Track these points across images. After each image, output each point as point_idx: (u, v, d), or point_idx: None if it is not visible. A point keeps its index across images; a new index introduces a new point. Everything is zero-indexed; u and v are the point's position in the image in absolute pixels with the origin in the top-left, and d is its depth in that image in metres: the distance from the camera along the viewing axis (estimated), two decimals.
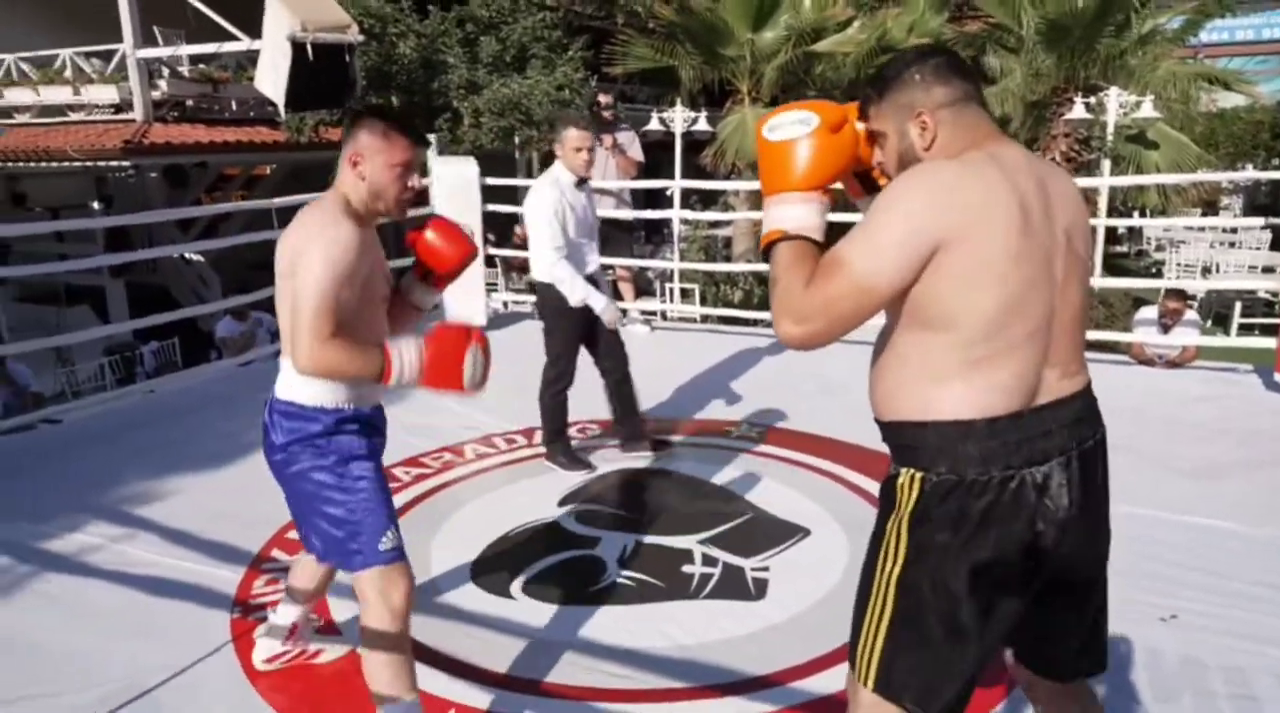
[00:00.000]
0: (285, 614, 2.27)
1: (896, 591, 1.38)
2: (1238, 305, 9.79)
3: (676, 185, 6.80)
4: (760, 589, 2.68)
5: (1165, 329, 5.47)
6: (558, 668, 2.29)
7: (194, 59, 11.47)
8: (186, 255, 11.56)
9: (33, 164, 11.21)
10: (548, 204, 3.39)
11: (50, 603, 2.62)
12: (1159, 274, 12.61)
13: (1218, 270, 11.73)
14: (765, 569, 2.79)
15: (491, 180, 6.21)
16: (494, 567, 2.83)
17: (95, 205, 12.12)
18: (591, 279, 3.59)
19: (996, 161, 1.35)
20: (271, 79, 7.33)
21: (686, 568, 2.81)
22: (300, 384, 1.87)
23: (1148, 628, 2.42)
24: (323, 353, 1.74)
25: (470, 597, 2.65)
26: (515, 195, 8.48)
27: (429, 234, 1.99)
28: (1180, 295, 5.58)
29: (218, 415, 4.28)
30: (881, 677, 1.39)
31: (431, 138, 6.37)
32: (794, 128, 1.41)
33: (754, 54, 11.13)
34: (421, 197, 5.97)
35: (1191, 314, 5.58)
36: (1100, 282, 7.67)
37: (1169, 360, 5.31)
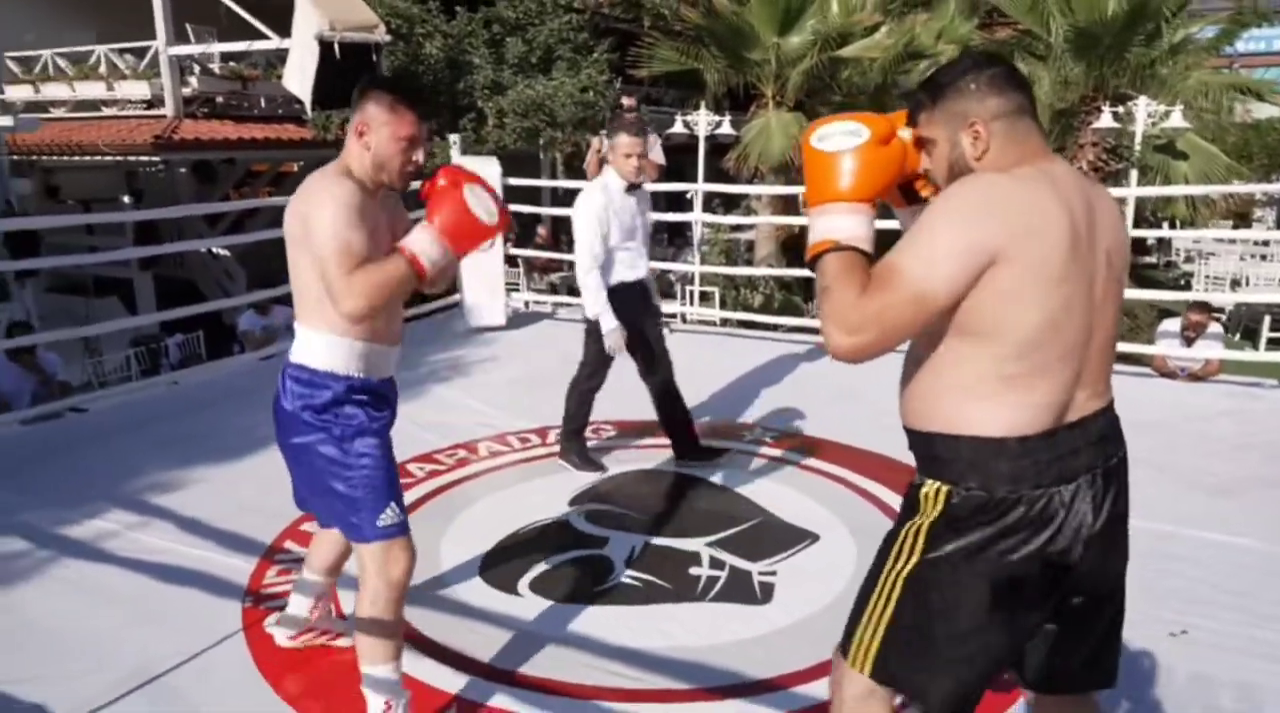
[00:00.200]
0: (299, 604, 2.32)
1: (904, 588, 1.39)
2: (1266, 319, 9.64)
3: (699, 189, 6.81)
4: (766, 593, 2.68)
5: (1188, 342, 5.40)
6: (561, 665, 2.30)
7: (225, 56, 11.64)
8: (214, 250, 11.72)
9: (66, 158, 11.42)
10: (591, 209, 3.40)
11: (68, 587, 2.68)
12: (1188, 286, 12.45)
13: (1247, 283, 11.56)
14: (772, 574, 2.79)
15: (514, 180, 6.25)
16: (502, 563, 2.85)
17: (126, 199, 12.32)
18: (642, 283, 3.59)
19: (1049, 179, 1.34)
20: (299, 77, 7.41)
21: (693, 570, 2.81)
22: (314, 349, 1.89)
23: (1159, 643, 2.40)
24: (351, 286, 1.74)
25: (478, 592, 2.67)
26: (538, 196, 8.55)
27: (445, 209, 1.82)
28: (1204, 308, 5.51)
29: (238, 408, 4.34)
30: (877, 665, 1.41)
31: (455, 137, 6.43)
32: (844, 138, 1.41)
33: (779, 58, 11.12)
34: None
35: (1215, 327, 5.50)
36: (1125, 293, 7.62)
37: (1191, 373, 5.24)
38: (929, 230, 1.32)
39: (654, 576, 2.78)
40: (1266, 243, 13.37)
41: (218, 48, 11.27)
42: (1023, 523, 1.34)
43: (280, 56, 9.49)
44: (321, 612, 2.35)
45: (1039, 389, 1.33)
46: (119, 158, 11.02)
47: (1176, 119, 8.48)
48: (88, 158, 11.15)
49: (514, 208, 6.39)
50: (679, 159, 9.70)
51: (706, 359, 5.24)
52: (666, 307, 7.16)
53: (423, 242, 1.78)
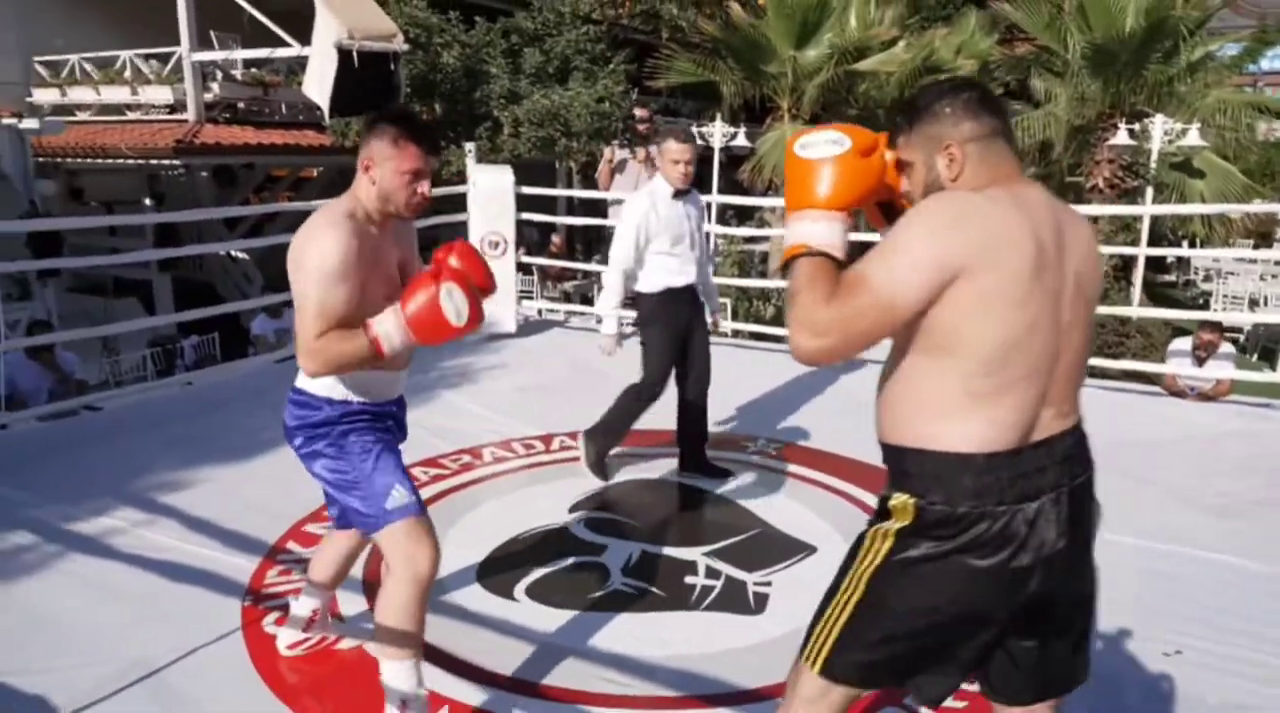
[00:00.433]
0: (304, 605, 2.35)
1: (865, 589, 1.42)
2: None
3: (713, 200, 6.84)
4: (760, 604, 2.69)
5: (1199, 362, 5.37)
6: (553, 671, 2.32)
7: (247, 63, 11.80)
8: (233, 254, 11.86)
9: (90, 160, 11.60)
10: (632, 216, 3.44)
11: (74, 582, 2.72)
12: (1206, 305, 12.35)
13: (1266, 303, 11.46)
14: (768, 584, 2.80)
15: (528, 189, 6.30)
16: (500, 569, 2.87)
17: (147, 202, 12.49)
18: (691, 289, 3.60)
19: (1018, 201, 1.37)
20: (319, 84, 7.53)
21: (689, 579, 2.83)
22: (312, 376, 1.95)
23: (1151, 663, 2.39)
24: (314, 352, 1.81)
25: (474, 597, 2.70)
26: (553, 205, 8.62)
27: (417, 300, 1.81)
28: (1216, 327, 5.47)
29: (248, 410, 4.39)
30: (828, 664, 1.44)
31: (471, 146, 6.50)
32: (826, 147, 1.44)
33: (796, 71, 11.17)
34: (459, 202, 6.08)
35: (1227, 347, 5.46)
36: (1138, 311, 7.56)
37: (1201, 393, 5.21)
38: (898, 242, 1.35)
39: (649, 584, 2.80)
40: None
41: (240, 54, 11.44)
42: (985, 538, 1.36)
43: (301, 63, 9.62)
44: (321, 616, 2.38)
45: (1004, 407, 1.35)
46: (141, 161, 11.19)
47: (1193, 137, 8.44)
48: (111, 161, 11.33)
49: (528, 217, 6.44)
50: (695, 170, 9.75)
51: (716, 370, 5.24)
52: None
53: (389, 327, 1.80)
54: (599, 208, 6.14)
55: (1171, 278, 15.73)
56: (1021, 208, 1.36)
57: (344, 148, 10.67)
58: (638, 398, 3.58)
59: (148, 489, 3.40)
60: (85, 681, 2.20)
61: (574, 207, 11.40)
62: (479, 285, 1.90)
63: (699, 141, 9.67)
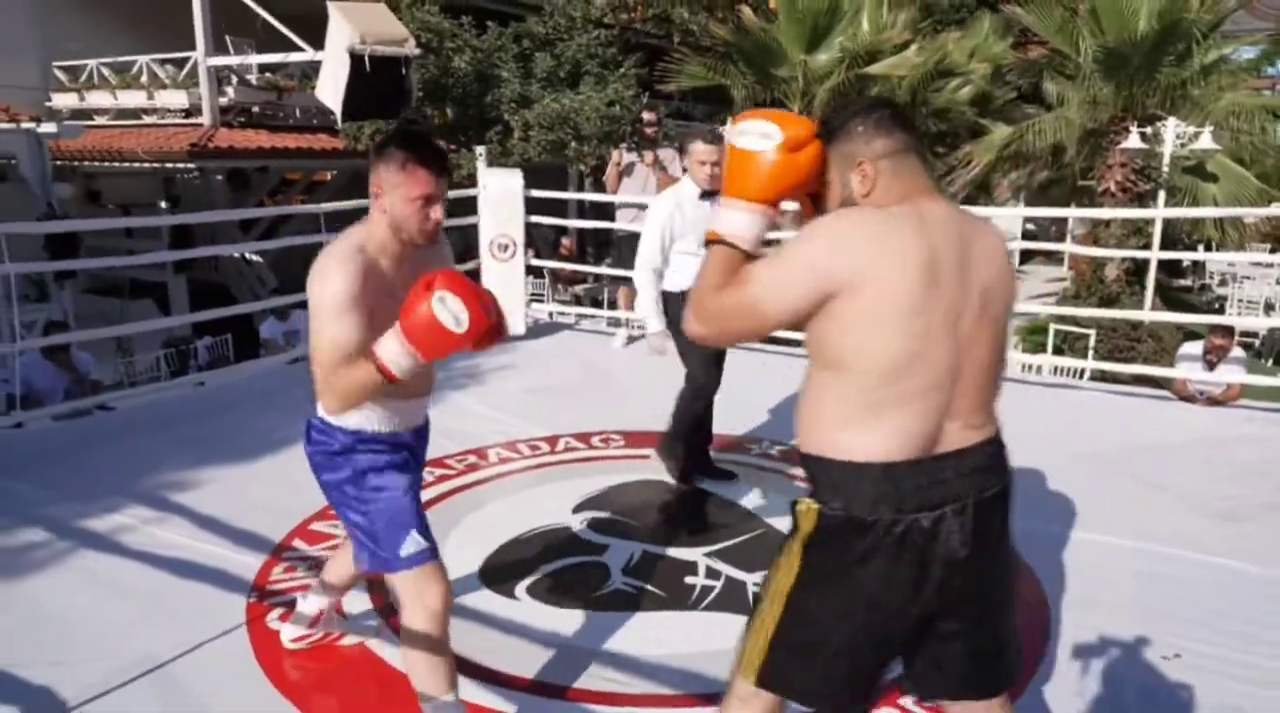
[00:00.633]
0: (312, 603, 2.38)
1: (784, 604, 1.46)
2: None
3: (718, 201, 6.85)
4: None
5: (1210, 366, 5.34)
6: (553, 669, 2.35)
7: (261, 67, 11.92)
8: (247, 256, 11.97)
9: (107, 164, 11.74)
10: (657, 217, 3.46)
11: (83, 578, 2.77)
12: (1221, 310, 12.27)
13: None
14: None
15: (536, 193, 6.33)
16: (502, 568, 2.90)
17: (163, 205, 12.63)
18: None
19: (918, 216, 1.40)
20: (331, 89, 7.59)
21: (689, 579, 2.85)
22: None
23: (1149, 665, 2.40)
24: (329, 388, 1.79)
25: (476, 596, 2.72)
26: (564, 208, 8.65)
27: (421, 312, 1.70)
28: (1227, 332, 5.45)
29: (258, 411, 4.44)
30: (761, 674, 1.49)
31: (481, 149, 6.54)
32: (756, 139, 1.46)
33: (807, 75, 11.18)
34: (469, 205, 6.13)
35: (1238, 351, 5.43)
36: (1150, 315, 7.53)
37: (1210, 397, 5.18)
38: (786, 252, 1.41)
39: (650, 584, 2.82)
40: None
41: (255, 59, 11.55)
42: (881, 546, 1.39)
43: (315, 68, 9.71)
44: (327, 614, 2.42)
45: (901, 418, 1.38)
46: (157, 165, 11.32)
47: (1206, 140, 8.39)
48: (127, 164, 11.46)
49: (538, 220, 6.48)
50: None
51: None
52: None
53: (392, 351, 1.72)
54: (610, 211, 6.17)
55: (1187, 283, 15.61)
56: (920, 224, 1.39)
57: (357, 151, 10.76)
58: (693, 397, 3.57)
59: (157, 488, 3.45)
60: (92, 674, 2.24)
61: (585, 210, 11.44)
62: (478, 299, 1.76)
63: None
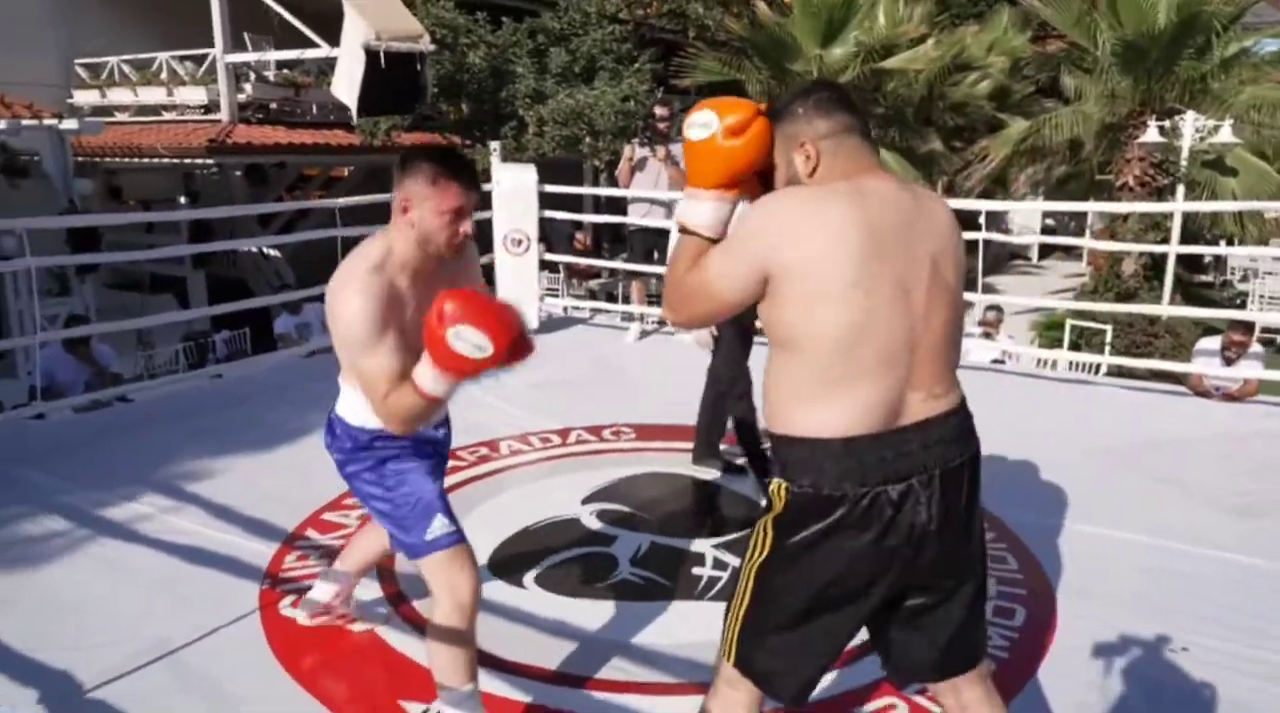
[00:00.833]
0: (324, 590, 2.43)
1: (755, 581, 1.48)
2: None
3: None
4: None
5: (1228, 362, 5.30)
6: (558, 656, 2.37)
7: (279, 64, 12.00)
8: (265, 251, 12.07)
9: (128, 160, 11.87)
10: None
11: (101, 565, 2.83)
12: (1243, 306, 12.14)
13: None
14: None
15: (552, 188, 6.36)
16: (511, 557, 2.93)
17: (182, 200, 12.76)
18: None
19: (856, 192, 1.42)
20: (347, 85, 7.64)
21: (696, 570, 2.87)
22: (352, 406, 1.97)
23: (1157, 659, 2.39)
24: (389, 414, 1.77)
25: (485, 585, 2.71)
26: (579, 203, 8.70)
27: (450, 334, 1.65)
28: (1247, 327, 5.40)
29: (273, 403, 4.49)
30: (738, 653, 1.51)
31: (495, 145, 6.58)
32: (698, 130, 1.50)
33: (822, 69, 11.14)
34: (483, 200, 6.16)
35: (1256, 347, 5.39)
36: (1168, 310, 7.46)
37: (1226, 393, 5.14)
38: (733, 235, 1.45)
39: (657, 574, 2.84)
40: None
41: (272, 55, 11.63)
42: (849, 519, 1.40)
43: (331, 64, 9.77)
44: (343, 598, 2.45)
45: (860, 392, 1.40)
46: (176, 160, 11.43)
47: (1225, 134, 8.30)
48: (147, 160, 11.58)
49: (551, 215, 6.50)
50: None
51: None
52: None
53: (428, 379, 1.71)
54: (625, 206, 6.18)
55: (1208, 278, 15.45)
56: (858, 198, 1.41)
57: (373, 147, 10.82)
58: (712, 391, 3.58)
59: (173, 477, 3.51)
60: (108, 658, 2.29)
61: (601, 205, 11.47)
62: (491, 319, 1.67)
63: None
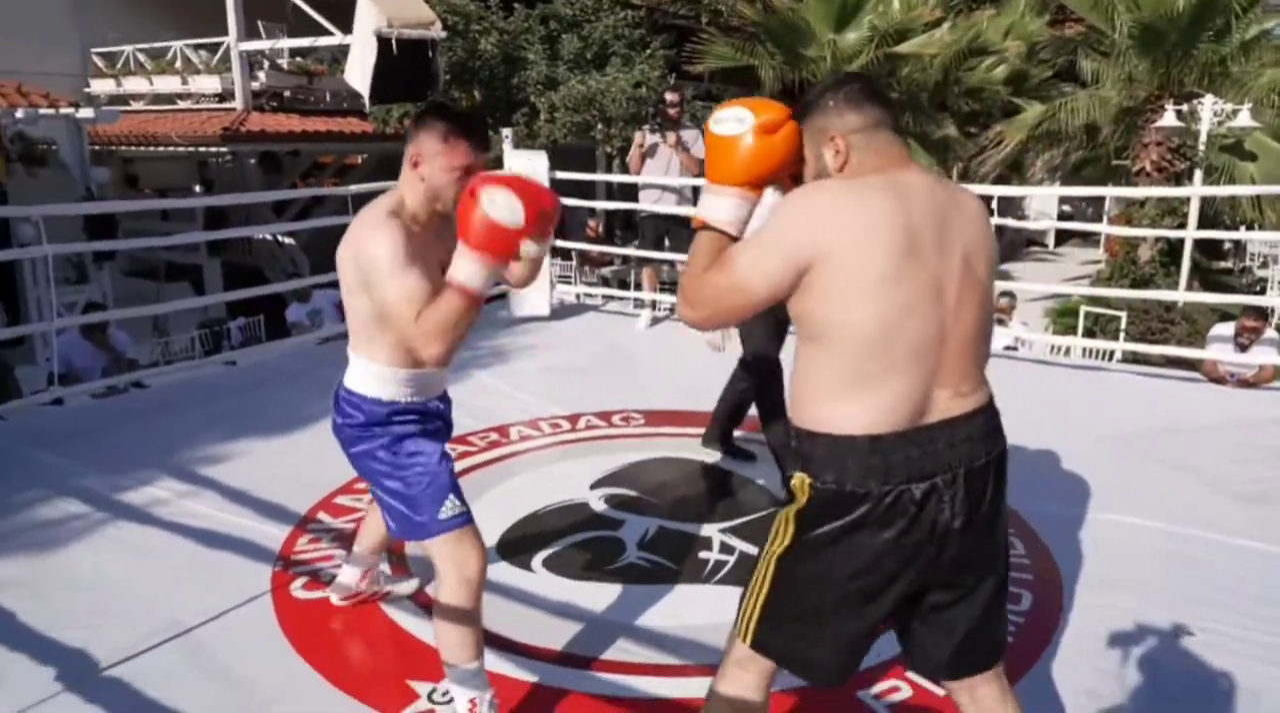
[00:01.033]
0: (349, 575, 2.47)
1: (775, 568, 1.48)
2: None
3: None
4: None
5: (1242, 348, 5.26)
6: (564, 638, 2.40)
7: (292, 52, 12.04)
8: (280, 239, 12.14)
9: (143, 148, 11.95)
10: None
11: (117, 546, 2.88)
12: (1262, 292, 12.01)
13: None
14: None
15: (563, 174, 6.36)
16: (519, 541, 2.96)
17: (197, 188, 12.84)
18: None
19: (893, 186, 1.40)
20: (359, 72, 7.67)
21: (703, 554, 2.88)
22: (362, 378, 1.99)
23: (1167, 644, 2.39)
24: (428, 332, 1.75)
25: (493, 568, 2.73)
26: (591, 190, 8.70)
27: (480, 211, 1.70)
28: (1261, 314, 5.35)
29: (287, 388, 4.54)
30: (755, 636, 1.51)
31: (507, 132, 6.58)
32: (731, 125, 1.49)
33: (835, 55, 11.07)
34: None
35: (1271, 333, 5.34)
36: (1184, 296, 7.39)
37: (1241, 379, 5.10)
38: (765, 229, 1.42)
39: (663, 557, 2.86)
40: None
41: (286, 43, 11.67)
42: (871, 517, 1.40)
43: (344, 52, 9.80)
44: (370, 579, 2.50)
45: (888, 390, 1.38)
46: (191, 149, 11.50)
47: (1244, 118, 8.19)
48: (163, 148, 11.66)
49: (564, 201, 6.50)
50: None
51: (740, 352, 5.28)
52: None
53: (463, 268, 1.73)
54: (637, 193, 6.17)
55: (1227, 265, 15.28)
56: (895, 193, 1.39)
57: (386, 135, 10.84)
58: (738, 384, 3.56)
59: (188, 462, 3.55)
60: (122, 637, 2.33)
61: (614, 192, 11.46)
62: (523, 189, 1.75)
63: None
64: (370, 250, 1.82)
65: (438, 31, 7.85)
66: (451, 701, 1.99)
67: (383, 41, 7.33)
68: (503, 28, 10.34)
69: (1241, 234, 10.94)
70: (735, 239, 1.49)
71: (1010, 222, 7.15)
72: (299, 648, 2.32)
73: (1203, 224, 8.94)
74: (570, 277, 10.20)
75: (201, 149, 11.62)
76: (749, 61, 11.58)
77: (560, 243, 7.56)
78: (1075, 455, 3.63)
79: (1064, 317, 9.38)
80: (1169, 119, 8.96)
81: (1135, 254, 9.46)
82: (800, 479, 1.47)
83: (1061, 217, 16.51)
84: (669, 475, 3.59)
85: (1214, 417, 4.36)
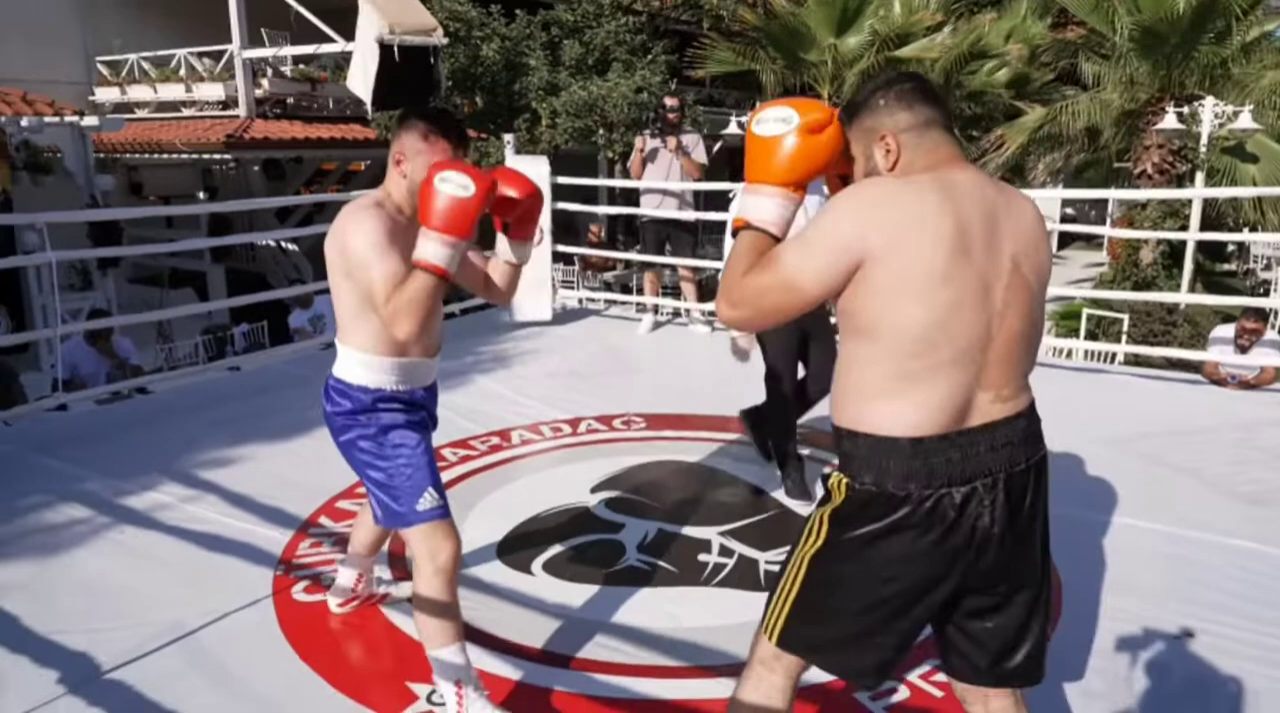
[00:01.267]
0: (347, 576, 2.49)
1: (808, 568, 1.47)
2: None
3: (741, 189, 6.84)
4: (770, 582, 2.73)
5: (1242, 350, 5.25)
6: (563, 640, 2.41)
7: (295, 59, 12.09)
8: (283, 245, 12.18)
9: (148, 156, 12.01)
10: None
11: (120, 550, 2.90)
12: (1265, 294, 11.98)
13: None
14: (779, 563, 2.84)
15: (565, 179, 6.38)
16: (520, 544, 2.97)
17: (201, 196, 12.89)
18: None
19: (943, 184, 1.39)
20: (362, 79, 7.71)
21: (702, 557, 2.89)
22: (349, 366, 2.05)
23: (1166, 645, 2.39)
24: (393, 313, 1.84)
25: (493, 571, 2.79)
26: (594, 196, 8.72)
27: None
28: (1261, 316, 5.35)
29: (290, 393, 4.56)
30: (783, 635, 1.50)
31: (509, 137, 6.60)
32: (775, 125, 1.48)
33: (836, 59, 11.09)
34: None
35: (1272, 334, 5.33)
36: (1185, 297, 7.40)
37: (1242, 381, 5.10)
38: (813, 227, 1.41)
39: (663, 560, 2.87)
40: None
41: (289, 51, 11.72)
42: (911, 520, 1.38)
43: (347, 59, 9.84)
44: (366, 582, 2.52)
45: (932, 391, 1.37)
46: (195, 156, 11.55)
47: (1245, 120, 8.19)
48: (167, 156, 11.71)
49: (564, 207, 6.53)
50: (737, 160, 9.75)
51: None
52: (709, 305, 7.25)
53: (425, 246, 1.82)
54: (639, 198, 6.20)
55: (1231, 267, 15.25)
56: (947, 192, 1.38)
57: (388, 141, 10.86)
58: (785, 397, 3.46)
59: (191, 467, 3.58)
60: (125, 640, 2.35)
61: (615, 197, 11.49)
62: (525, 192, 1.93)
63: (739, 130, 9.71)
64: (353, 236, 1.91)
65: (439, 38, 7.89)
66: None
67: (385, 48, 7.37)
68: (504, 34, 10.38)
69: (1241, 236, 10.92)
70: (778, 240, 1.47)
71: None
72: (300, 651, 2.34)
73: (1205, 226, 8.94)
74: (573, 281, 10.24)
75: (205, 156, 11.67)
76: (750, 66, 11.62)
77: (562, 248, 7.58)
78: (1076, 457, 3.64)
79: (1066, 319, 9.37)
80: (1170, 121, 8.96)
81: (1137, 256, 9.45)
82: (837, 478, 1.46)
83: (1065, 219, 16.51)
84: (669, 479, 3.60)
85: (1214, 418, 4.37)
